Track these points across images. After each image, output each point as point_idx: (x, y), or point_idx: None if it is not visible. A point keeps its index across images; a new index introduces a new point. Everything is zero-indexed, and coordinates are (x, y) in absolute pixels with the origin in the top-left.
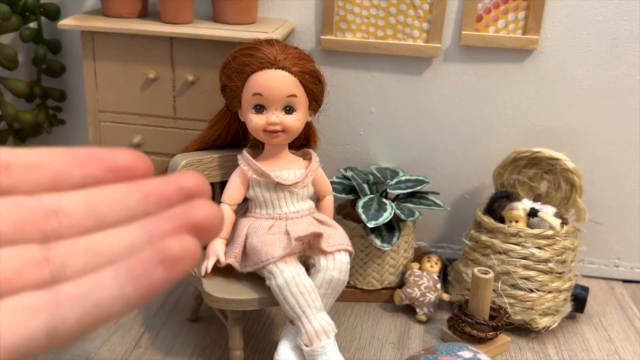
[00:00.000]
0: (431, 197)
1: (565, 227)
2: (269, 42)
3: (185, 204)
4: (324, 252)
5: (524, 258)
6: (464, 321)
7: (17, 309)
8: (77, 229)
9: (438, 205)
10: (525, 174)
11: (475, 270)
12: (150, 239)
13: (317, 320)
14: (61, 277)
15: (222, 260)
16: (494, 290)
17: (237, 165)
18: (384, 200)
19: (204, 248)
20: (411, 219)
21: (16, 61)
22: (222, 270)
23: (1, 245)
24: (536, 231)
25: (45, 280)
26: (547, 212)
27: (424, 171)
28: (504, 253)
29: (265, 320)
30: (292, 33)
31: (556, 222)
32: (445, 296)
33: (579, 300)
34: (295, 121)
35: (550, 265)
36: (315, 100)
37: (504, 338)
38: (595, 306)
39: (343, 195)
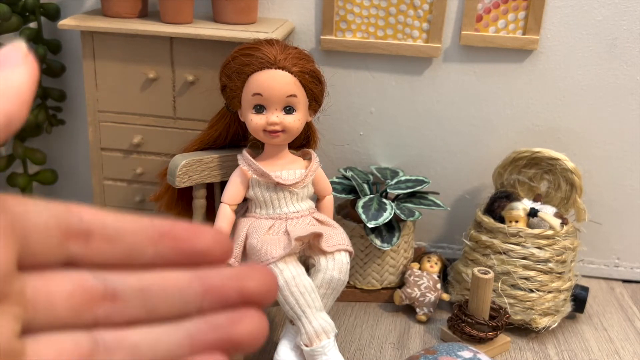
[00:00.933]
0: (431, 197)
1: (565, 227)
2: (269, 42)
3: (236, 315)
4: (324, 252)
5: (524, 258)
6: (464, 321)
7: None
8: (127, 317)
9: (438, 205)
10: (525, 174)
11: (475, 270)
12: (192, 348)
13: (317, 320)
14: None
15: None
16: (494, 290)
17: (237, 165)
18: (384, 200)
19: None
20: (411, 219)
21: None
22: None
23: (53, 328)
24: (536, 231)
25: None
26: (547, 212)
27: (424, 171)
28: (504, 253)
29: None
30: (292, 33)
31: (556, 222)
32: (445, 296)
33: (579, 300)
34: (295, 121)
35: (550, 265)
36: (315, 100)
37: (504, 338)
38: (595, 306)
39: (343, 195)
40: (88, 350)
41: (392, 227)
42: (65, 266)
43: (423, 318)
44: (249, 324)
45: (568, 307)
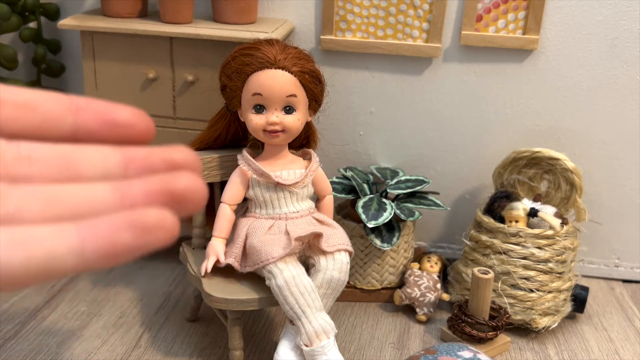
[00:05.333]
0: (431, 197)
1: (565, 227)
2: (269, 42)
3: (167, 174)
4: (324, 252)
5: (524, 258)
6: (464, 321)
7: None
8: (47, 179)
9: (438, 205)
10: (525, 174)
11: (475, 270)
12: (123, 200)
13: (317, 320)
14: (17, 219)
15: (222, 260)
16: (494, 290)
17: (237, 165)
18: (384, 200)
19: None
20: (411, 219)
21: (16, 61)
22: (222, 270)
23: None
24: (536, 231)
25: None
26: (547, 212)
27: (424, 171)
28: (504, 253)
29: (265, 320)
30: (292, 33)
31: (556, 222)
32: (445, 296)
33: (579, 300)
34: (295, 121)
35: (550, 265)
36: (315, 100)
37: (504, 338)
38: (595, 306)
39: (343, 195)
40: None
41: (392, 227)
42: None
43: (423, 318)
44: (185, 179)
45: (568, 307)
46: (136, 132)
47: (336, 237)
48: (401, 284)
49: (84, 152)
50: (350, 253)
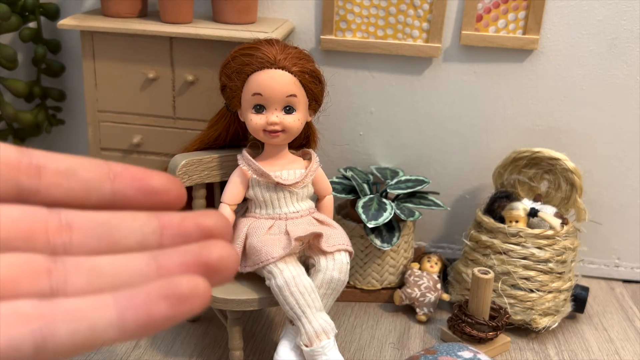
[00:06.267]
0: (431, 197)
1: (565, 227)
2: (269, 42)
3: (201, 243)
4: (324, 252)
5: (524, 258)
6: (464, 321)
7: (9, 314)
8: (87, 248)
9: (438, 205)
10: (525, 174)
11: (475, 270)
12: (159, 270)
13: (317, 321)
14: (61, 291)
15: None
16: (494, 290)
17: (237, 165)
18: (384, 200)
19: None
20: (411, 219)
21: (15, 61)
22: None
23: (6, 250)
24: (536, 231)
25: (44, 291)
26: (547, 212)
27: (424, 171)
28: (504, 253)
29: (265, 320)
30: (292, 33)
31: (556, 222)
32: (445, 296)
33: (579, 300)
34: (295, 121)
35: (551, 265)
36: (315, 100)
37: (504, 338)
38: (595, 306)
39: (343, 195)
40: (44, 267)
41: (392, 227)
42: (19, 203)
43: (423, 318)
44: (218, 248)
45: (568, 307)
46: (169, 198)
47: (336, 237)
48: (401, 284)
49: (121, 220)
50: (350, 253)
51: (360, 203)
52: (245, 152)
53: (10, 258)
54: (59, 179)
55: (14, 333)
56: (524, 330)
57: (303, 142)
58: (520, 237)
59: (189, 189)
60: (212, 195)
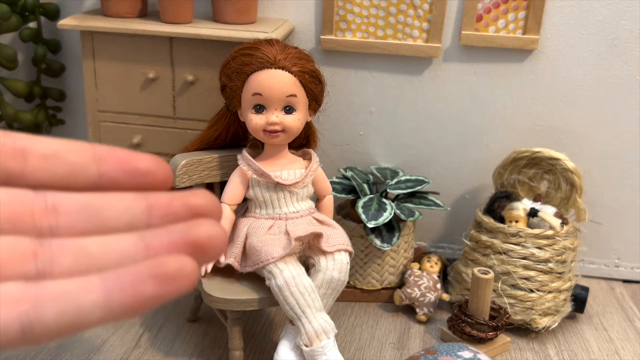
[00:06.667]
0: (431, 197)
1: (565, 227)
2: (269, 42)
3: (189, 222)
4: (324, 252)
5: (524, 258)
6: (464, 321)
7: None
8: (74, 230)
9: (438, 205)
10: (525, 174)
11: (475, 270)
12: (147, 251)
13: (317, 321)
14: (47, 273)
15: (222, 260)
16: (494, 290)
17: (237, 165)
18: (384, 200)
19: None
20: (411, 219)
21: (16, 61)
22: (222, 270)
23: None
24: (536, 231)
25: (30, 273)
26: (547, 212)
27: (424, 171)
28: (504, 253)
29: (265, 320)
30: (292, 33)
31: (556, 222)
32: (445, 296)
33: (579, 300)
34: (295, 121)
35: (550, 265)
36: (315, 100)
37: (504, 338)
38: (595, 306)
39: (343, 195)
40: (30, 250)
41: (392, 227)
42: (3, 186)
43: (423, 318)
44: (206, 227)
45: (568, 307)
46: (156, 179)
47: (336, 237)
48: (401, 284)
49: (108, 201)
50: (350, 253)
51: (360, 203)
52: (245, 152)
53: None
54: (45, 162)
55: (1, 316)
56: (524, 330)
57: (303, 142)
58: (520, 237)
59: (189, 189)
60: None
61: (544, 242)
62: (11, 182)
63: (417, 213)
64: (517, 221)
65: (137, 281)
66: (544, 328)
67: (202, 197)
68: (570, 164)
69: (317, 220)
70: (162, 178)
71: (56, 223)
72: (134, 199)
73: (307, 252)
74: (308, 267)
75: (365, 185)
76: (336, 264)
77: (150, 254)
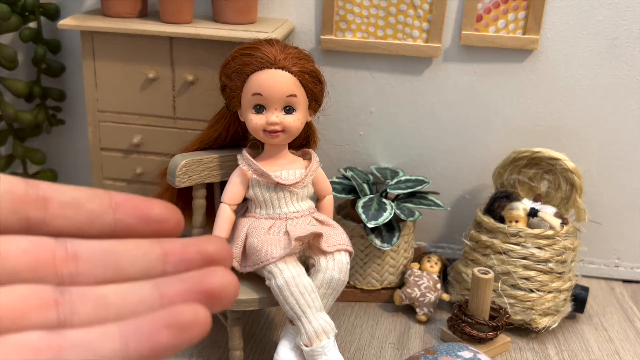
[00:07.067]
0: (431, 197)
1: (565, 227)
2: (269, 42)
3: (202, 270)
4: (324, 252)
5: (524, 258)
6: (464, 321)
7: (19, 346)
8: (93, 277)
9: (438, 205)
10: (525, 174)
11: (475, 270)
12: (162, 298)
13: (317, 321)
14: (68, 322)
15: None
16: (494, 290)
17: (237, 165)
18: (384, 200)
19: None
20: (411, 219)
21: (15, 61)
22: None
23: (14, 282)
24: (536, 231)
25: (52, 322)
26: (547, 212)
27: (424, 171)
28: (504, 253)
29: (265, 320)
30: (292, 33)
31: (556, 222)
32: (445, 296)
33: (579, 300)
34: (295, 121)
35: (550, 265)
36: (315, 100)
37: (504, 338)
38: (595, 306)
39: (343, 195)
40: (52, 299)
41: (392, 227)
42: (26, 234)
43: (423, 318)
44: (219, 275)
45: (568, 307)
46: (169, 226)
47: (336, 237)
48: (401, 284)
49: (125, 248)
50: (350, 253)
51: (360, 203)
52: (245, 152)
53: (18, 290)
54: (64, 210)
55: None
56: (524, 330)
57: (303, 142)
58: (520, 237)
59: (189, 189)
60: (212, 195)
61: (544, 242)
62: (32, 229)
63: (417, 213)
64: (517, 221)
65: (153, 331)
66: (544, 328)
67: (214, 244)
68: (570, 164)
69: (317, 220)
70: (174, 224)
71: (76, 270)
72: (149, 246)
73: (307, 252)
74: (308, 267)
75: (365, 185)
76: (336, 264)
77: (165, 302)
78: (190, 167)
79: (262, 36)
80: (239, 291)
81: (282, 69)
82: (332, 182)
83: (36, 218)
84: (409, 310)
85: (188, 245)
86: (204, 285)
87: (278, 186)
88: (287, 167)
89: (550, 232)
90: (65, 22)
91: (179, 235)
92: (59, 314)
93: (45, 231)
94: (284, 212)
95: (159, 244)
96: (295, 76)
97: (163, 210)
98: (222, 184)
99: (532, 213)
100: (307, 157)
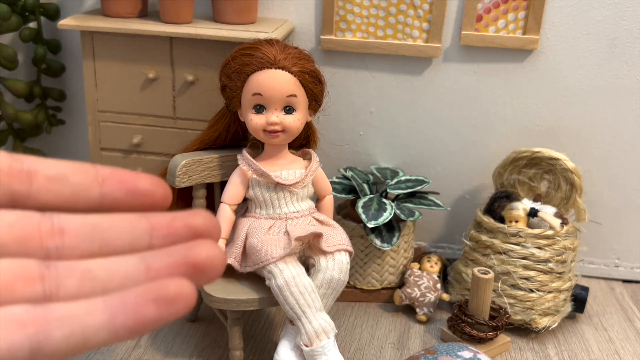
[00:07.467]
0: (431, 197)
1: (565, 227)
2: (269, 42)
3: (188, 243)
4: (324, 252)
5: (524, 258)
6: (464, 321)
7: (4, 320)
8: (79, 250)
9: (438, 205)
10: (525, 174)
11: (475, 270)
12: (148, 272)
13: (317, 321)
14: (54, 296)
15: None
16: (494, 290)
17: (237, 165)
18: (384, 200)
19: None
20: (411, 219)
21: (16, 61)
22: None
23: (1, 255)
24: (536, 231)
25: (38, 296)
26: (547, 212)
27: (424, 171)
28: (504, 253)
29: (265, 320)
30: (292, 33)
31: (556, 222)
32: (445, 296)
33: (579, 300)
34: (295, 121)
35: (550, 265)
36: (315, 100)
37: (504, 338)
38: (595, 306)
39: (343, 195)
40: (37, 273)
41: (392, 227)
42: (12, 208)
43: (423, 318)
44: (206, 250)
45: (568, 307)
46: (156, 199)
47: (336, 237)
48: (401, 284)
49: (112, 222)
50: (350, 253)
51: (360, 203)
52: (245, 152)
53: (4, 264)
54: (50, 183)
55: (11, 338)
56: (524, 330)
57: (303, 142)
58: (520, 237)
59: (189, 189)
60: (212, 195)
61: (544, 242)
62: (17, 203)
63: (417, 213)
64: (517, 221)
65: (139, 304)
66: (544, 328)
67: (202, 218)
68: (570, 164)
69: (317, 220)
70: (161, 198)
71: (62, 244)
72: (136, 220)
73: (307, 252)
74: (308, 267)
75: (365, 185)
76: (336, 264)
77: (151, 275)
78: (190, 167)
79: (262, 36)
80: (225, 264)
81: (282, 69)
82: (332, 182)
83: (21, 192)
84: (409, 310)
85: (175, 219)
86: (190, 258)
87: (278, 186)
88: (287, 167)
89: (550, 232)
90: (65, 22)
91: (165, 209)
92: (44, 287)
93: (30, 205)
94: (284, 212)
95: (145, 217)
96: (295, 76)
97: (150, 184)
98: (222, 184)
99: (532, 213)
100: (307, 157)
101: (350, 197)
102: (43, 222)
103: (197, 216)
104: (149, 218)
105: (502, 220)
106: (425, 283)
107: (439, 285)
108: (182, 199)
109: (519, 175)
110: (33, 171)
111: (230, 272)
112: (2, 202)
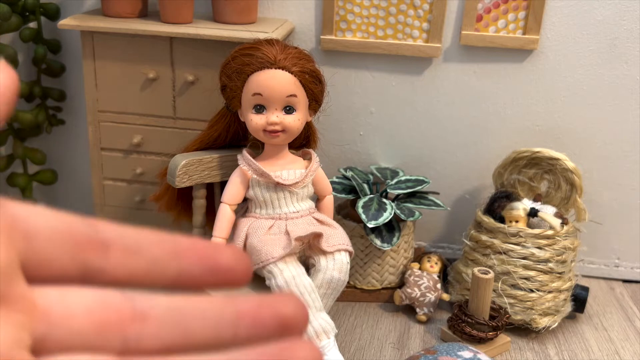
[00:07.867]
0: (431, 197)
1: (565, 227)
2: (269, 42)
3: (281, 344)
4: (324, 252)
5: (524, 258)
6: (464, 321)
7: None
8: (160, 341)
9: (438, 205)
10: (525, 174)
11: (475, 270)
12: None
13: (317, 321)
14: None
15: None
16: (494, 290)
17: (237, 165)
18: (384, 200)
19: None
20: (411, 219)
21: (16, 61)
22: None
23: (77, 348)
24: (536, 231)
25: None
26: (547, 212)
27: (424, 171)
28: (504, 253)
29: None
30: (292, 33)
31: (556, 222)
32: (445, 296)
33: (579, 300)
34: (295, 121)
35: (550, 265)
36: (315, 100)
37: (504, 338)
38: (595, 306)
39: (343, 195)
40: None
41: (392, 227)
42: (84, 282)
43: (423, 318)
44: (304, 352)
45: (568, 307)
46: (235, 277)
47: (336, 237)
48: (401, 284)
49: (197, 307)
50: (350, 253)
51: (360, 203)
52: (245, 152)
53: None
54: (126, 257)
55: None
56: (524, 330)
57: (303, 142)
58: (520, 237)
59: (189, 189)
60: (212, 195)
61: (544, 242)
62: (88, 278)
63: (417, 213)
64: (517, 221)
65: None
66: (544, 328)
67: (291, 306)
68: (570, 164)
69: (317, 220)
70: (242, 274)
71: (142, 332)
72: (222, 306)
73: (307, 252)
74: (308, 267)
75: (365, 185)
76: (336, 264)
77: None
78: (190, 167)
79: (262, 36)
80: None
81: (282, 69)
82: (332, 182)
83: (95, 265)
84: (409, 310)
85: (262, 305)
86: None
87: (278, 186)
88: (287, 167)
89: (550, 232)
90: (65, 22)
91: (246, 285)
92: None
93: (102, 280)
94: (284, 212)
95: (232, 303)
96: (295, 76)
97: (231, 259)
98: (222, 184)
99: (532, 213)
100: (307, 157)
101: (350, 197)
102: (124, 306)
103: (286, 304)
104: (236, 303)
105: (502, 220)
106: (425, 283)
107: (439, 285)
108: (182, 199)
109: (519, 175)
110: (110, 242)
111: None
112: (73, 276)
